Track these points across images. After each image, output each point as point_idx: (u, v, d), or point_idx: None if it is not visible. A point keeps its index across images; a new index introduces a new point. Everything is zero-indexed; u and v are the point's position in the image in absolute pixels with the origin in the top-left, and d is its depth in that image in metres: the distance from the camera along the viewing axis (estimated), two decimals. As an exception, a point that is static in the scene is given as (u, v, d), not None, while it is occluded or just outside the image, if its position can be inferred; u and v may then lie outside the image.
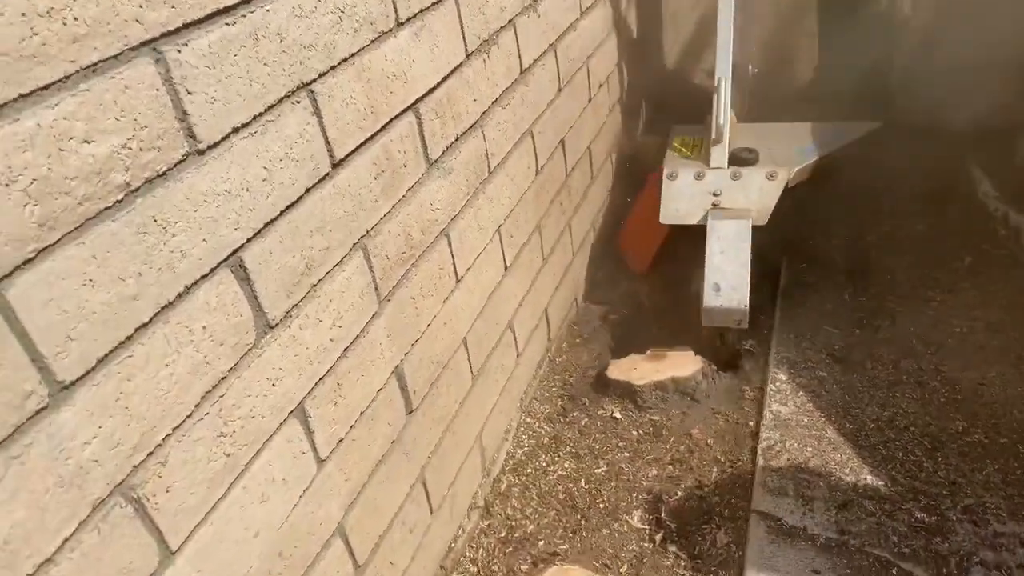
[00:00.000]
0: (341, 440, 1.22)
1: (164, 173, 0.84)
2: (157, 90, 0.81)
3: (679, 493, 1.80)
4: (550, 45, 1.94)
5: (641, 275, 2.49)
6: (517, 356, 2.00)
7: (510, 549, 1.74)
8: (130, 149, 0.79)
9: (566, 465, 1.96)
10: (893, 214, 2.55)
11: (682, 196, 2.08)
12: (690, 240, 2.17)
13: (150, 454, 0.85)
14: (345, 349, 1.20)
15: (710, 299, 1.92)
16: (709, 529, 1.70)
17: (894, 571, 1.50)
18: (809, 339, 2.14)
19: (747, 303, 1.88)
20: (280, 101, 1.00)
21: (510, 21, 1.68)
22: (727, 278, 1.92)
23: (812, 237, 2.51)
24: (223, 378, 0.95)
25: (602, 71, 2.41)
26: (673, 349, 2.17)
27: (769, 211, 2.01)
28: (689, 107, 2.57)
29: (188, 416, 0.90)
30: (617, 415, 2.08)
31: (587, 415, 2.09)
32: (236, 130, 0.93)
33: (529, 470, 1.95)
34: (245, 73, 0.93)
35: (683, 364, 2.10)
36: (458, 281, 1.58)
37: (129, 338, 0.81)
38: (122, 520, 0.82)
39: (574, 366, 2.28)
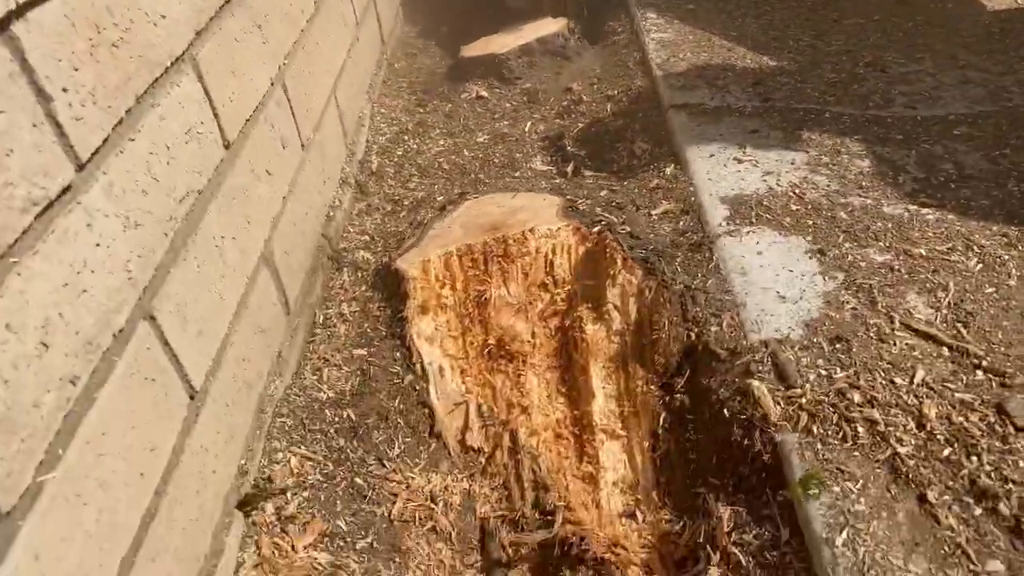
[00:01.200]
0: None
1: None
2: None
3: (579, 126, 1.57)
4: None
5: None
6: (357, 24, 1.62)
7: (403, 212, 1.40)
8: None
9: (440, 143, 1.64)
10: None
11: None
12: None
13: None
14: None
15: None
16: (623, 145, 1.49)
17: (826, 115, 1.39)
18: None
19: None
20: None
21: None
22: None
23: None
24: None
25: None
26: (527, 23, 1.92)
27: None
28: None
29: None
30: (484, 94, 1.78)
31: (449, 101, 1.78)
32: None
33: (399, 152, 1.61)
34: None
35: (544, 26, 1.85)
36: None
37: None
38: None
39: (417, 69, 1.94)
